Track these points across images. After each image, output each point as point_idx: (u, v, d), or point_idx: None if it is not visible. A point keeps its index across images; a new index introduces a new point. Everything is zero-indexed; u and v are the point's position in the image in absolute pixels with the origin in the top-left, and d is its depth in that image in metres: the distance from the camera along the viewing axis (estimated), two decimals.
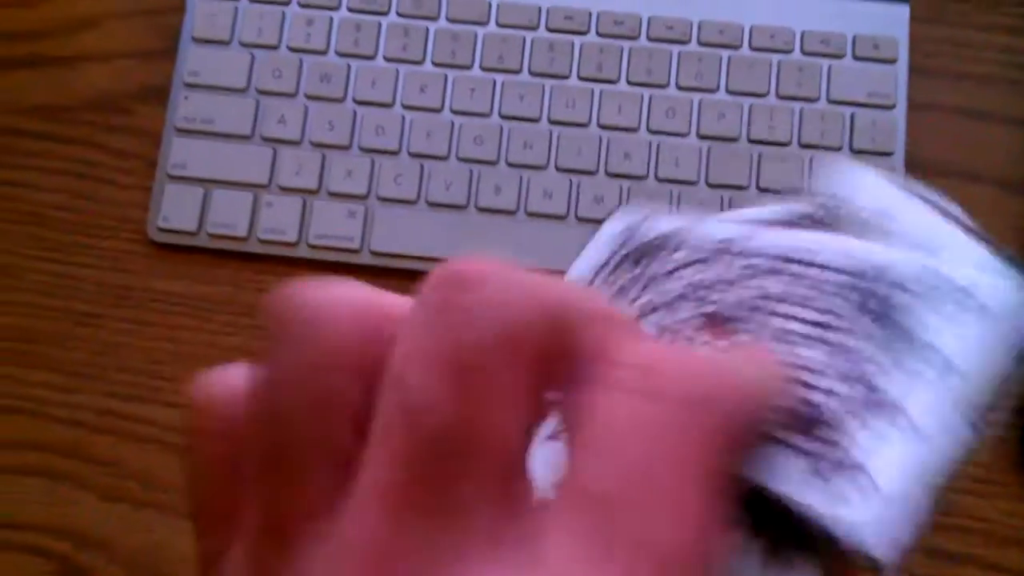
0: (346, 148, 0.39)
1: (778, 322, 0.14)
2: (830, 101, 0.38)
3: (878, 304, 0.14)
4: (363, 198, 0.39)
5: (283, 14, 0.40)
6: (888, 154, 0.38)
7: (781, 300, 0.15)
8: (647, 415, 0.11)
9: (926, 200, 0.16)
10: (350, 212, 0.39)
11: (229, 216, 0.39)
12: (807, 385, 0.14)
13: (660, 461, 0.11)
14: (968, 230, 0.16)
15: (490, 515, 0.11)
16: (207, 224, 0.39)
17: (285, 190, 0.39)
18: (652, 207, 0.17)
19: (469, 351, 0.11)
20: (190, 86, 0.40)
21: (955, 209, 0.16)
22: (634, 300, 0.16)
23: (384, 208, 0.39)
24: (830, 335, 0.14)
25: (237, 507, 0.12)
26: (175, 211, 0.39)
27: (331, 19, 0.40)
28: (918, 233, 0.16)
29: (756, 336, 0.14)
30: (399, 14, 0.40)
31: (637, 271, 0.16)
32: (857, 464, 0.13)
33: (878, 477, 0.13)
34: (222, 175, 0.39)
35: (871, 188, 0.16)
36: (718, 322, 0.15)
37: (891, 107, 0.38)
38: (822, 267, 0.15)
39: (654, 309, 0.16)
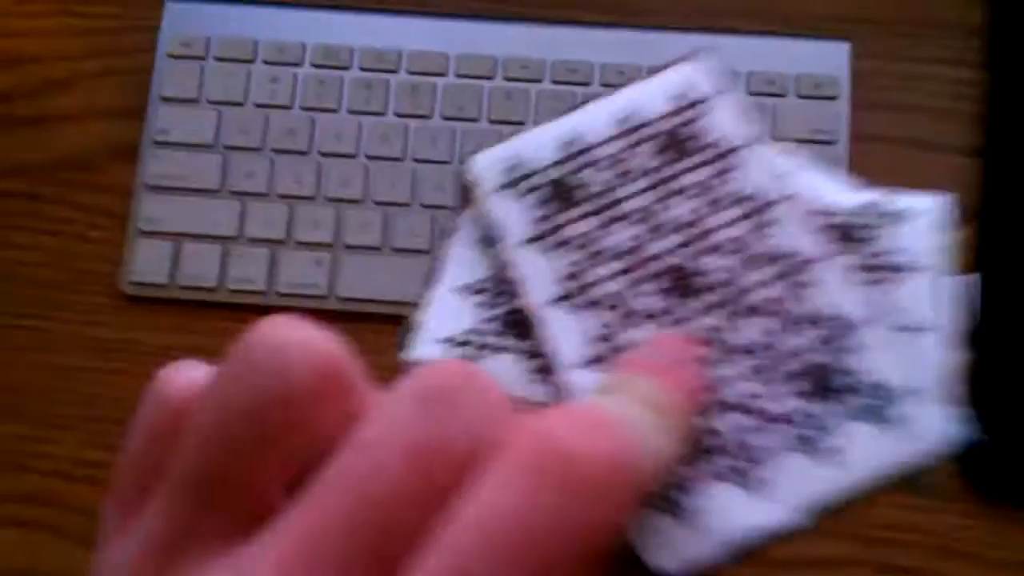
0: (312, 199, 0.41)
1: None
2: (776, 138, 0.40)
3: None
4: (329, 246, 0.41)
5: (248, 72, 0.42)
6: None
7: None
8: (537, 502, 0.12)
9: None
10: (317, 260, 0.40)
11: (200, 268, 0.41)
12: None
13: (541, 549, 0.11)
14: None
15: None
16: (178, 276, 0.41)
17: (254, 241, 0.41)
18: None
19: (447, 452, 0.12)
20: (159, 144, 0.42)
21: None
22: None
23: (350, 255, 0.40)
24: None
25: (146, 492, 0.13)
26: (147, 265, 0.41)
27: (295, 75, 0.42)
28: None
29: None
30: (361, 68, 0.42)
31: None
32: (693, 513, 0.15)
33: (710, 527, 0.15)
34: (192, 229, 0.41)
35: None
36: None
37: (834, 142, 0.40)
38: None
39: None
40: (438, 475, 0.12)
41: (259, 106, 0.42)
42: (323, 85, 0.42)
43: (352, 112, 0.42)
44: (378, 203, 0.41)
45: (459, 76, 0.42)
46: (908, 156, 0.41)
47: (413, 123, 0.42)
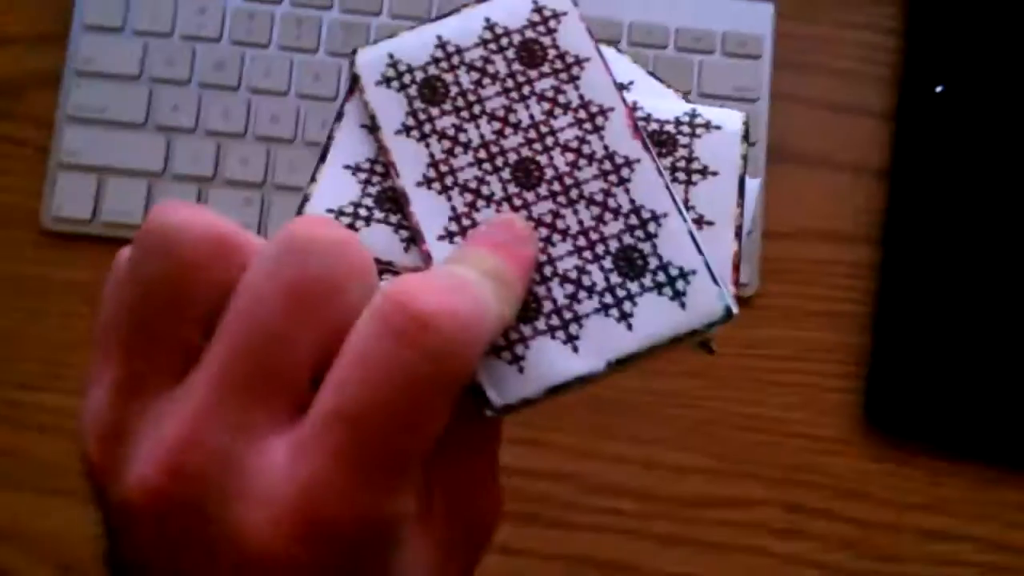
0: (241, 136, 0.41)
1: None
2: (700, 95, 0.42)
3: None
4: (259, 186, 0.41)
5: (175, 2, 0.42)
6: (752, 144, 0.42)
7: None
8: (396, 358, 0.15)
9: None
10: (246, 200, 0.41)
11: (124, 204, 0.40)
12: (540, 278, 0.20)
13: (402, 397, 0.15)
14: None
15: (277, 409, 0.16)
16: (102, 213, 0.40)
17: (180, 178, 0.41)
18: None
19: (308, 283, 0.16)
20: (82, 74, 0.41)
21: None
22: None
23: (280, 195, 0.41)
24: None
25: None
26: (69, 200, 0.40)
27: (224, 7, 0.42)
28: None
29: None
30: (292, 3, 0.42)
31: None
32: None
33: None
34: (116, 163, 0.41)
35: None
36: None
37: (755, 100, 0.42)
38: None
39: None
40: (307, 302, 0.16)
41: (186, 38, 0.42)
42: (253, 19, 0.42)
43: (283, 48, 0.42)
44: (309, 143, 0.41)
45: (393, 16, 0.42)
46: (824, 117, 0.44)
47: (344, 62, 0.42)
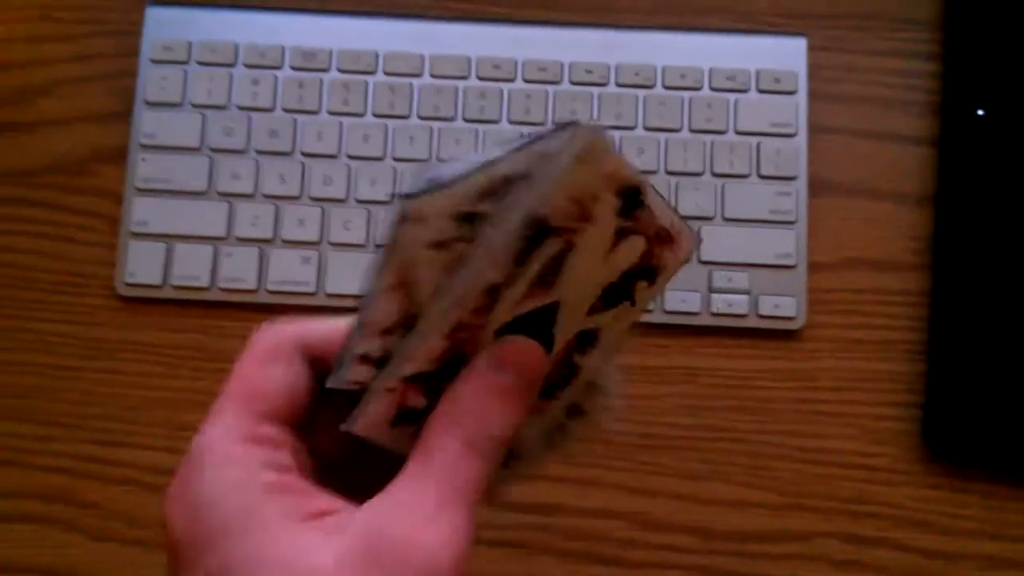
0: (297, 198, 0.44)
1: None
2: (737, 132, 0.43)
3: None
4: (315, 244, 0.43)
5: (230, 75, 0.45)
6: (792, 178, 0.43)
7: None
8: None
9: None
10: (304, 258, 0.43)
11: (191, 268, 0.43)
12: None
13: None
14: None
15: None
16: (171, 277, 0.43)
17: (242, 241, 0.44)
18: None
19: None
20: (146, 147, 0.45)
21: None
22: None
23: (336, 252, 0.43)
24: None
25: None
26: (140, 266, 0.43)
27: (275, 77, 0.45)
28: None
29: None
30: (339, 70, 0.45)
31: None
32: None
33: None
34: (182, 230, 0.44)
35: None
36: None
37: (793, 135, 0.43)
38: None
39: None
40: None
41: (242, 108, 0.45)
42: (303, 87, 0.45)
43: (332, 113, 0.45)
44: (360, 201, 0.44)
45: (434, 76, 0.45)
46: (863, 146, 0.45)
47: (392, 123, 0.44)
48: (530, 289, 0.23)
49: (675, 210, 0.24)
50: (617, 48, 0.44)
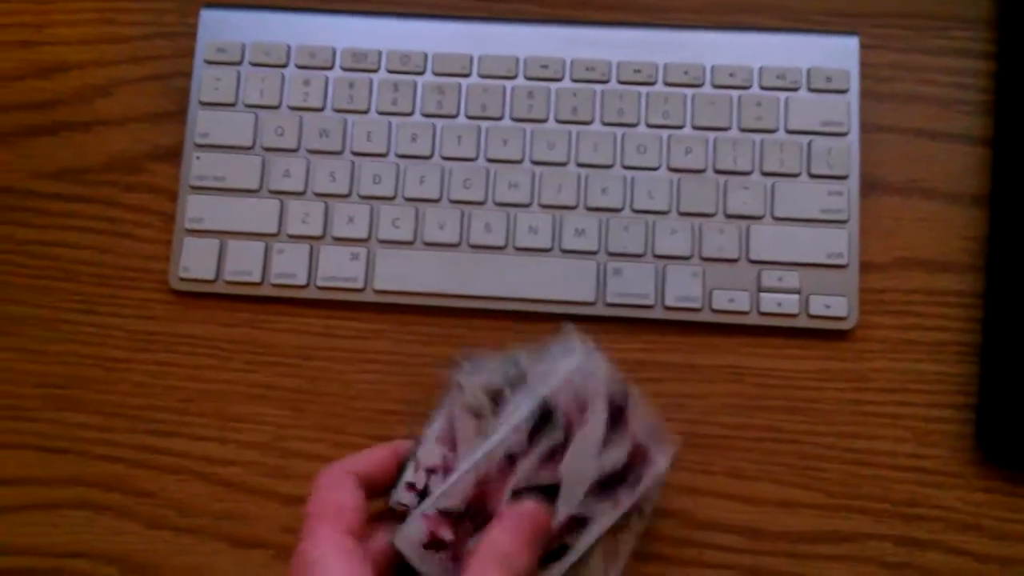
0: (346, 196, 0.45)
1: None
2: (788, 131, 0.44)
3: None
4: (364, 241, 0.45)
5: (282, 76, 0.46)
6: (843, 177, 0.43)
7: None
8: None
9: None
10: (353, 255, 0.44)
11: (243, 264, 0.45)
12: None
13: None
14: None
15: None
16: (224, 272, 0.45)
17: (293, 238, 0.45)
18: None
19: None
20: (201, 146, 0.46)
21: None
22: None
23: (384, 249, 0.44)
24: None
25: None
26: (194, 261, 0.45)
27: (326, 78, 0.46)
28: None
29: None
30: (388, 70, 0.46)
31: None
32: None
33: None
34: (235, 227, 0.45)
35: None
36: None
37: (845, 133, 0.44)
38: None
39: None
40: None
41: (293, 109, 0.46)
42: (353, 88, 0.46)
43: (382, 113, 0.46)
44: (409, 199, 0.45)
45: (482, 76, 0.46)
46: (916, 146, 0.45)
47: (440, 122, 0.45)
48: (540, 463, 0.31)
49: (653, 425, 0.33)
50: (665, 47, 0.45)
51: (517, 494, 0.31)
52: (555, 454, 0.31)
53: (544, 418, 0.31)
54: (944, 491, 0.41)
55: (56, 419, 0.45)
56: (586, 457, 0.31)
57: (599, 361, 0.33)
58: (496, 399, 0.32)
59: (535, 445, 0.31)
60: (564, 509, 0.31)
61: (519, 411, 0.31)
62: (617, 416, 0.32)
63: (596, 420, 0.32)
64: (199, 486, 0.44)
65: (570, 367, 0.32)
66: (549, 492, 0.31)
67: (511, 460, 0.31)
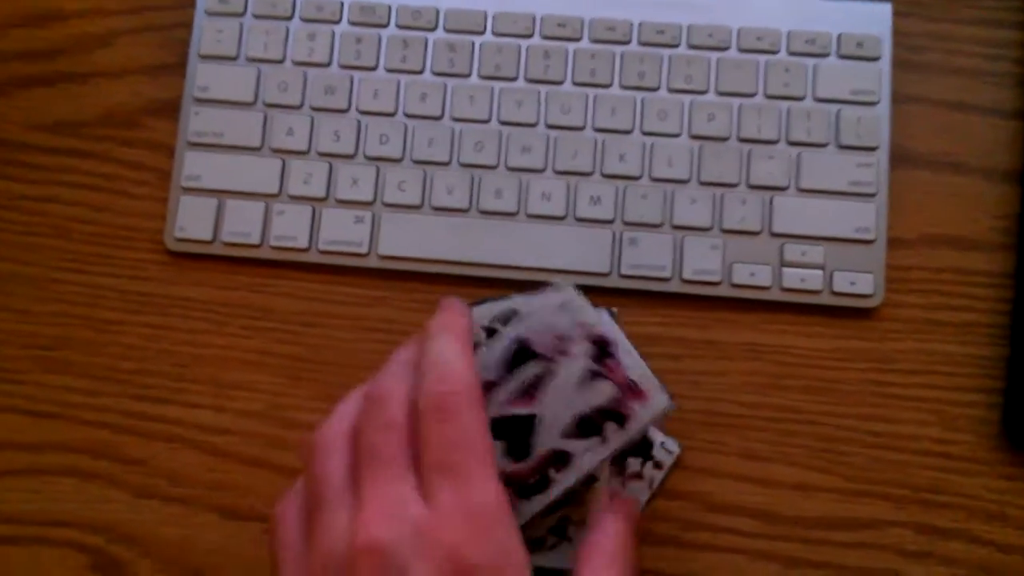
0: (351, 157, 0.43)
1: None
2: (816, 99, 0.42)
3: None
4: (369, 204, 0.43)
5: (287, 29, 0.44)
6: (873, 149, 0.42)
7: None
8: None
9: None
10: (357, 218, 0.43)
11: (243, 225, 0.43)
12: None
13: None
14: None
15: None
16: (222, 233, 0.43)
17: (295, 199, 0.43)
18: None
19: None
20: (200, 101, 0.44)
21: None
22: None
23: (390, 213, 0.43)
24: None
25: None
26: (191, 221, 0.43)
27: (333, 32, 0.44)
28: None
29: None
30: (398, 26, 0.44)
31: None
32: None
33: None
34: (234, 186, 0.43)
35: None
36: None
37: (875, 103, 0.42)
38: None
39: None
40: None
41: (297, 64, 0.44)
42: (360, 43, 0.44)
43: (390, 70, 0.44)
44: (417, 161, 0.43)
45: (497, 34, 0.44)
46: (948, 118, 0.43)
47: (451, 82, 0.44)
48: (515, 397, 0.30)
49: (650, 371, 0.31)
50: (690, 8, 0.43)
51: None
52: (535, 388, 0.30)
53: (521, 352, 0.31)
54: (968, 478, 0.40)
55: (43, 382, 0.43)
56: (565, 390, 0.30)
57: (585, 303, 0.32)
58: (490, 335, 0.32)
59: (510, 376, 0.31)
60: (544, 443, 0.30)
61: (500, 343, 0.31)
62: (603, 353, 0.31)
63: (577, 354, 0.31)
64: (191, 455, 0.42)
65: (553, 303, 0.32)
66: (526, 425, 0.30)
67: (487, 388, 0.31)
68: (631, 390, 0.31)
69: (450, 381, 0.27)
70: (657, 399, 0.31)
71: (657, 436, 0.33)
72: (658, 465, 0.33)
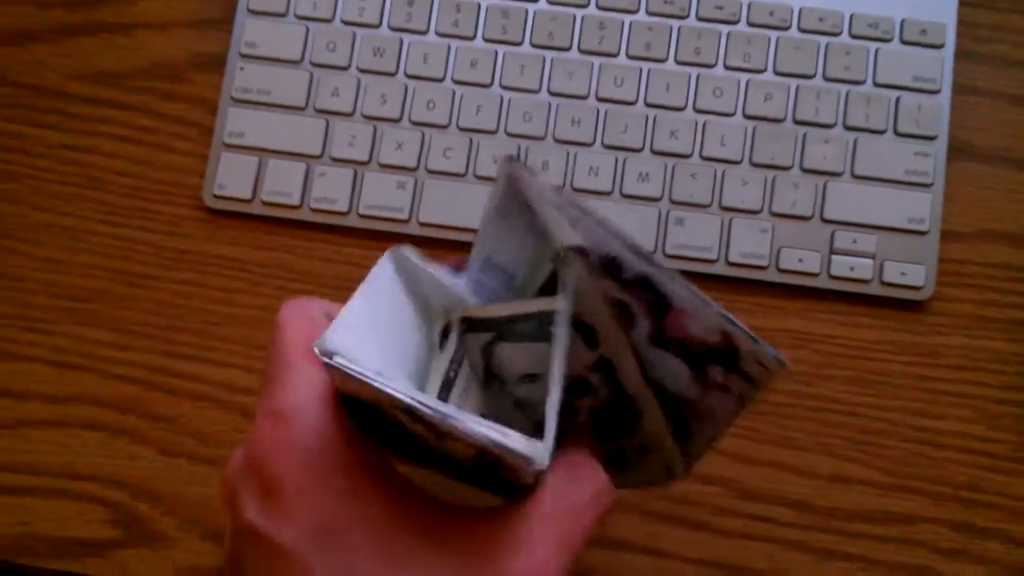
0: (397, 121, 0.43)
1: None
2: (876, 84, 0.42)
3: None
4: (413, 170, 0.43)
5: None
6: (932, 138, 0.41)
7: None
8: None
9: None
10: (400, 184, 0.42)
11: (283, 185, 0.43)
12: None
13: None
14: None
15: None
16: (261, 192, 0.43)
17: (337, 161, 0.43)
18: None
19: None
20: (246, 56, 0.44)
21: None
22: None
23: (433, 180, 0.42)
24: None
25: None
26: (230, 178, 0.43)
27: None
28: None
29: None
30: None
31: None
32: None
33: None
34: (277, 145, 0.43)
35: None
36: None
37: (936, 92, 0.41)
38: None
39: None
40: None
41: (347, 23, 0.44)
42: (412, 6, 0.44)
43: (440, 35, 0.44)
44: (463, 129, 0.43)
45: (551, 3, 0.43)
46: (1011, 112, 0.42)
47: (502, 49, 0.43)
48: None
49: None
50: None
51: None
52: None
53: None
54: (1010, 478, 0.40)
55: (72, 333, 0.43)
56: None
57: None
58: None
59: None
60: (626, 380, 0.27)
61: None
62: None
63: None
64: (219, 414, 0.42)
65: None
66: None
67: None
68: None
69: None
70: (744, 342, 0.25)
71: (744, 344, 0.25)
72: (749, 379, 0.26)
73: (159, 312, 0.43)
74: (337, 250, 0.43)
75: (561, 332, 0.24)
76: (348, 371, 0.22)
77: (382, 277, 0.27)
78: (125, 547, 0.41)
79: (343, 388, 0.25)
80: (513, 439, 0.22)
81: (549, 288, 0.27)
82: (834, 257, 0.41)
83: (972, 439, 0.40)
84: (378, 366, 0.23)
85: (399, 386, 0.22)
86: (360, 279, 0.43)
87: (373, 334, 0.25)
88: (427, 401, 0.22)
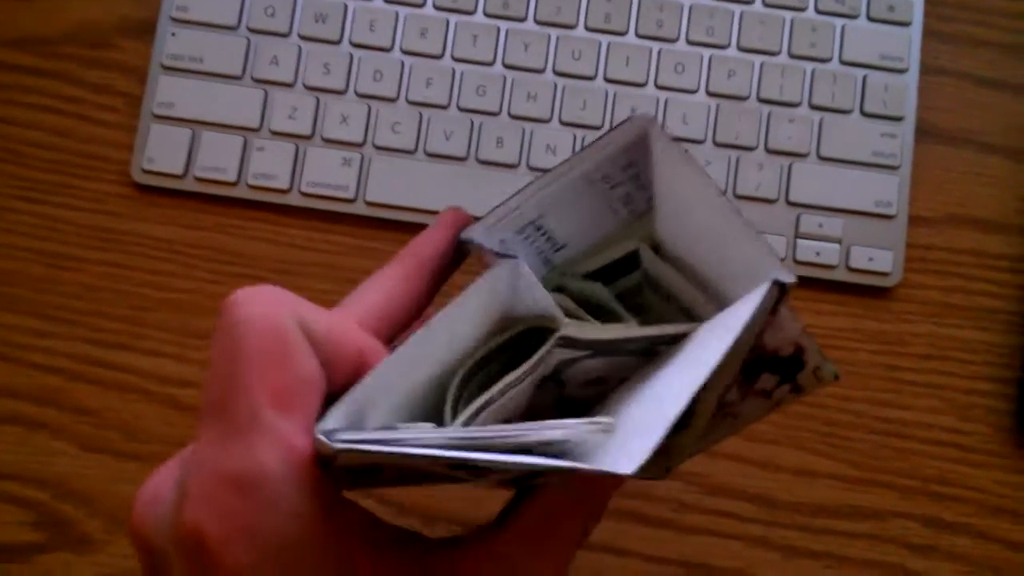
0: (342, 93, 0.40)
1: None
2: (842, 62, 0.40)
3: None
4: (359, 146, 0.40)
5: None
6: (899, 119, 0.40)
7: None
8: None
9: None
10: (345, 160, 0.40)
11: (218, 159, 0.40)
12: None
13: None
14: None
15: None
16: (194, 167, 0.40)
17: (277, 134, 0.40)
18: None
19: None
20: (178, 21, 0.41)
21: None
22: None
23: (380, 157, 0.40)
24: None
25: None
26: (161, 152, 0.40)
27: None
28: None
29: None
30: None
31: None
32: None
33: None
34: (211, 116, 0.40)
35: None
36: None
37: (903, 71, 0.40)
38: None
39: None
40: None
41: None
42: None
43: (388, 1, 0.41)
44: (412, 103, 0.40)
45: None
46: (979, 94, 0.41)
47: (454, 18, 0.41)
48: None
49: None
50: None
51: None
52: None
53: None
54: (979, 471, 0.39)
55: None
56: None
57: None
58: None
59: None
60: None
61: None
62: None
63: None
64: (148, 407, 0.39)
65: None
66: None
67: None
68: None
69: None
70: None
71: (813, 359, 0.24)
72: (797, 389, 0.25)
73: (83, 296, 0.40)
74: (277, 231, 0.41)
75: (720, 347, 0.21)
76: (365, 450, 0.18)
77: (480, 292, 0.23)
78: (48, 551, 0.38)
79: (350, 462, 0.20)
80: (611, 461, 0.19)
81: (616, 269, 0.25)
82: (800, 241, 0.39)
83: (940, 430, 0.39)
84: (395, 399, 0.21)
85: (423, 434, 0.19)
86: (300, 262, 0.40)
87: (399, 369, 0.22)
88: (472, 454, 0.19)
